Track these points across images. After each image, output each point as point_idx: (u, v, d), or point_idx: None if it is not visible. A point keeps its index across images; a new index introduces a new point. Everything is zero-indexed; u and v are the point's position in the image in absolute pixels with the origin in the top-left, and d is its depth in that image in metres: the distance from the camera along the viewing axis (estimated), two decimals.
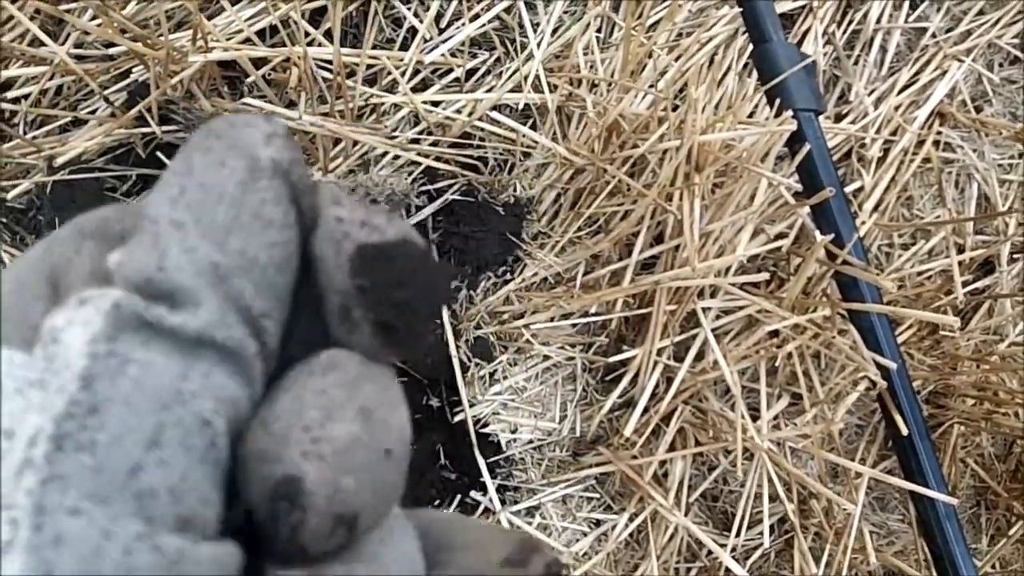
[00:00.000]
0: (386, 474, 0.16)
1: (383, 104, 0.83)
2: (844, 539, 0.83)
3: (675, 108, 0.78)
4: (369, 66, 0.83)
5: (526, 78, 0.85)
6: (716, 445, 0.82)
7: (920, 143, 1.00)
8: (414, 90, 0.84)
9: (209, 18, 0.80)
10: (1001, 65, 1.06)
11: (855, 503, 0.82)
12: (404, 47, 0.85)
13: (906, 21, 1.03)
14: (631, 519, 0.84)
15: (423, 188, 0.84)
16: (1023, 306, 0.98)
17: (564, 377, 0.85)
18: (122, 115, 0.77)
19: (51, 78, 0.79)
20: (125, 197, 0.81)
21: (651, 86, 0.85)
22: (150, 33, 0.76)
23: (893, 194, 0.98)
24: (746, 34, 0.84)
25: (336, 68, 0.75)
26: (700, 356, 0.80)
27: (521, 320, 0.83)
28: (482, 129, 0.84)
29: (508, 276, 0.85)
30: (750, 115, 0.86)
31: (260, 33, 0.81)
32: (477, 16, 0.86)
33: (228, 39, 0.78)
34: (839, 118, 0.99)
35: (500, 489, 0.82)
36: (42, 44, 0.76)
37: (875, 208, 0.97)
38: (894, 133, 0.99)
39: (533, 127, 0.86)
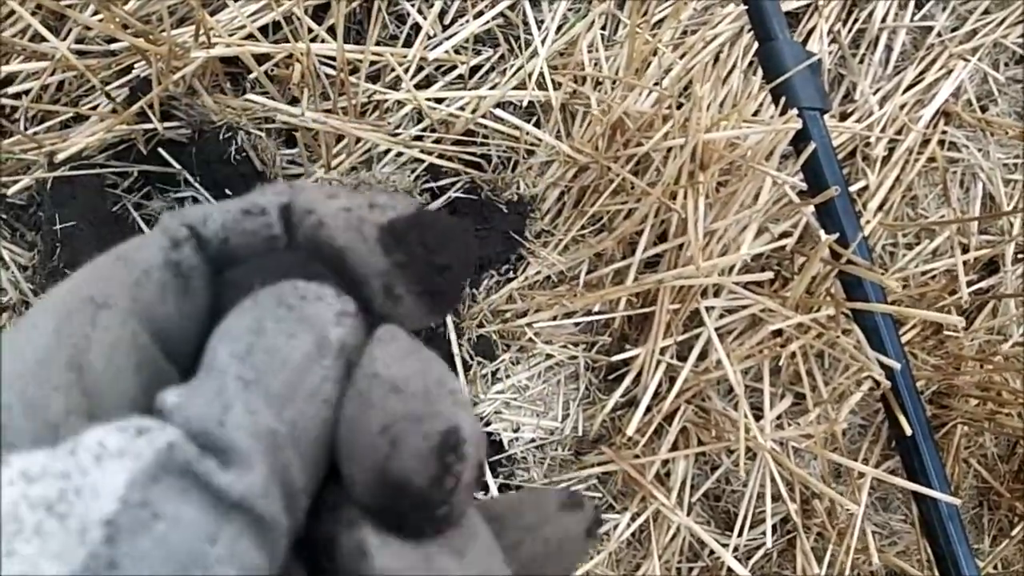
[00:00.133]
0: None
1: (386, 101, 0.82)
2: (847, 539, 0.83)
3: (679, 106, 0.77)
4: (372, 63, 0.82)
5: (530, 75, 0.85)
6: (719, 445, 0.81)
7: (925, 142, 1.00)
8: (417, 87, 0.83)
9: (212, 14, 0.79)
10: (1007, 64, 1.06)
11: (858, 503, 0.82)
12: (408, 44, 0.84)
13: (911, 20, 1.02)
14: (633, 518, 0.84)
15: (426, 185, 0.83)
16: None
17: (567, 376, 0.85)
18: (123, 111, 0.76)
19: (52, 74, 0.78)
20: (126, 194, 0.81)
21: (656, 84, 0.84)
22: (152, 29, 0.75)
23: (898, 193, 0.97)
24: (751, 32, 0.84)
25: (339, 64, 0.74)
26: (703, 355, 0.80)
27: (524, 319, 0.83)
28: (485, 127, 0.84)
29: (511, 274, 0.84)
30: (755, 113, 0.85)
31: (263, 29, 0.80)
32: (481, 13, 0.86)
33: (231, 35, 0.78)
34: (844, 117, 0.99)
35: (502, 488, 0.82)
36: (43, 39, 0.76)
37: (879, 207, 0.96)
38: (899, 132, 0.99)
39: (537, 125, 0.86)
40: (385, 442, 0.15)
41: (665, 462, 0.83)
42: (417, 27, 0.84)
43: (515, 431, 0.83)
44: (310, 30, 0.79)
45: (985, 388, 0.92)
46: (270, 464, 0.15)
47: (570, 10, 0.89)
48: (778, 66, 0.79)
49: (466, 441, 0.15)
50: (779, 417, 0.85)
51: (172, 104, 0.78)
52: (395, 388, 0.15)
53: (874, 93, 0.99)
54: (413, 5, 0.85)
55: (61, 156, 0.77)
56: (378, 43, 0.84)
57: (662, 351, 0.79)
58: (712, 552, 0.83)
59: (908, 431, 0.78)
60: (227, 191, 0.79)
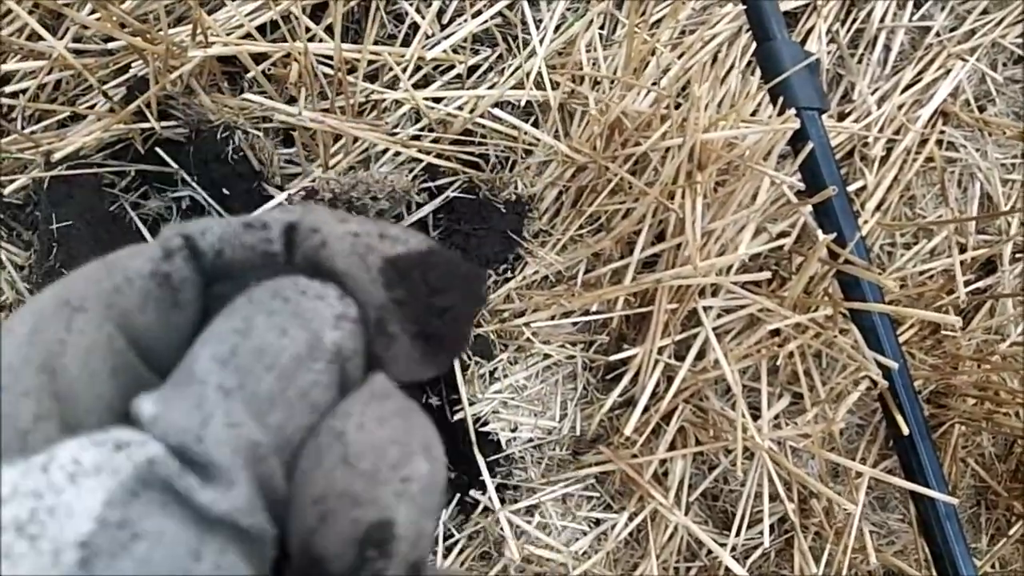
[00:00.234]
0: (438, 513, 0.15)
1: (384, 100, 0.82)
2: (844, 539, 0.83)
3: (678, 106, 0.77)
4: (370, 62, 0.82)
5: (528, 75, 0.84)
6: (716, 444, 0.81)
7: (923, 142, 1.00)
8: (415, 86, 0.83)
9: (209, 13, 0.79)
10: (1005, 64, 1.06)
11: (855, 503, 0.82)
12: (406, 43, 0.84)
13: (910, 20, 1.02)
14: (631, 518, 0.84)
15: (424, 185, 0.83)
16: None
17: (564, 376, 0.85)
18: (121, 110, 0.76)
19: (49, 73, 0.78)
20: (123, 193, 0.81)
21: (654, 84, 0.84)
22: (149, 28, 0.75)
23: (896, 193, 0.97)
24: (750, 32, 0.84)
25: (337, 64, 0.74)
26: (701, 355, 0.80)
27: (522, 318, 0.83)
28: (483, 126, 0.84)
29: (509, 274, 0.84)
30: (753, 113, 0.85)
31: (260, 28, 0.80)
32: (479, 12, 0.86)
33: (228, 34, 0.78)
34: (842, 117, 0.99)
35: (500, 488, 0.82)
36: (40, 38, 0.76)
37: (877, 207, 0.96)
38: (897, 132, 0.99)
39: (535, 124, 0.86)
40: (315, 514, 0.14)
41: (663, 462, 0.83)
42: (415, 26, 0.84)
43: (513, 431, 0.82)
44: (308, 29, 0.79)
45: (983, 388, 0.93)
46: (253, 477, 0.14)
47: (568, 10, 0.89)
48: (776, 66, 0.79)
49: (396, 538, 0.14)
50: (777, 417, 0.85)
51: (169, 103, 0.77)
52: (346, 460, 0.14)
53: (872, 93, 0.99)
54: (411, 4, 0.85)
55: (58, 155, 0.76)
56: (376, 42, 0.84)
57: (660, 351, 0.79)
58: (710, 552, 0.83)
59: (906, 431, 0.78)
60: (224, 190, 0.79)
